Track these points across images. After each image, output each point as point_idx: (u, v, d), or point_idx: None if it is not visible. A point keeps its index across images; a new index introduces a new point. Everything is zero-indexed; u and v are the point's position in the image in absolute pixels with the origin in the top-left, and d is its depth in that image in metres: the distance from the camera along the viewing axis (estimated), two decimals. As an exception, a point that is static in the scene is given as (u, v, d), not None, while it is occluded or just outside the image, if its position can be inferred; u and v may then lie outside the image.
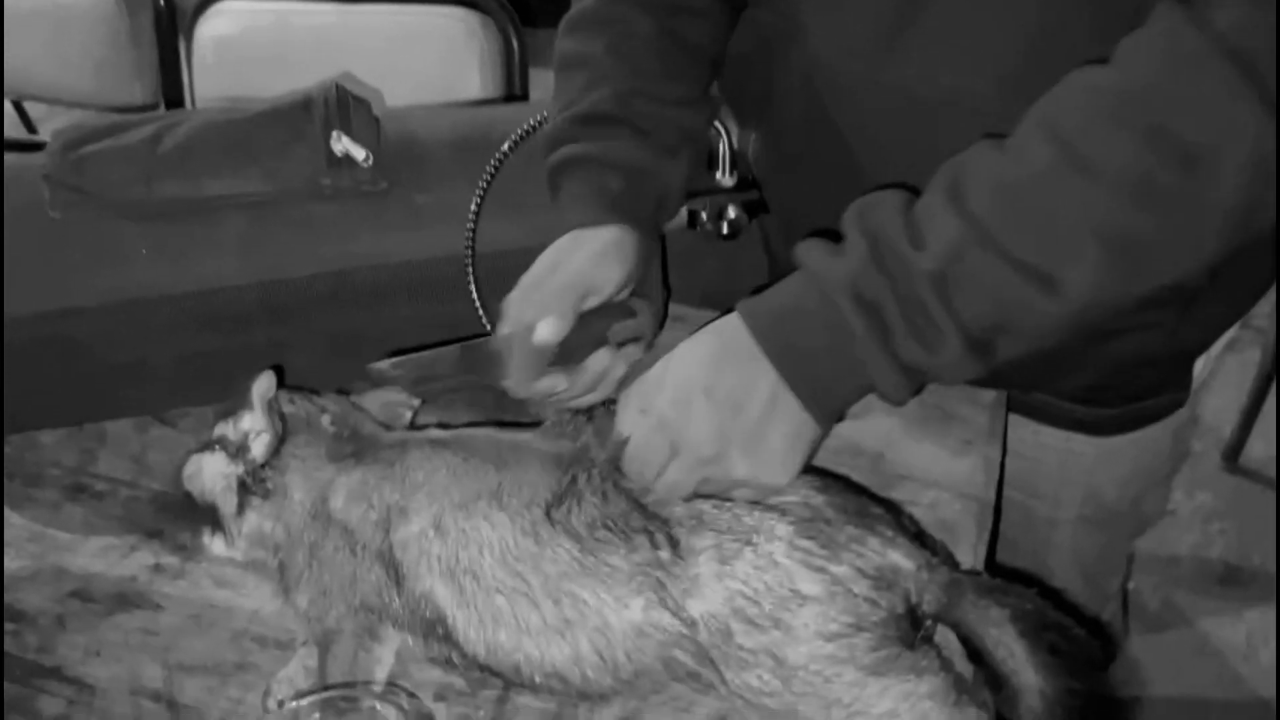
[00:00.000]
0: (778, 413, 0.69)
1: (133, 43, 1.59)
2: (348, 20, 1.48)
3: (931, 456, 0.85)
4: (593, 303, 0.78)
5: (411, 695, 0.70)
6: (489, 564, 0.67)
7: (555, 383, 0.78)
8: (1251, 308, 0.92)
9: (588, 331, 0.78)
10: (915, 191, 0.68)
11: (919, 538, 0.74)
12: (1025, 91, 0.66)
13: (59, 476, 0.87)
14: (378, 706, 0.62)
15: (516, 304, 0.76)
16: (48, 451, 0.89)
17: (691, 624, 0.65)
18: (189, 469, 0.77)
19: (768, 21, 0.85)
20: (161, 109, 1.64)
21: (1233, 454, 1.92)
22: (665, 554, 0.66)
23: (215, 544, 0.77)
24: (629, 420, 0.72)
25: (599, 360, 0.80)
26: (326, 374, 0.86)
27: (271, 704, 0.70)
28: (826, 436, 0.73)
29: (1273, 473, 1.89)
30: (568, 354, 0.78)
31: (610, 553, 0.67)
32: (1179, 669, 1.64)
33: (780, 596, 0.64)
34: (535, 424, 0.79)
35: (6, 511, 0.84)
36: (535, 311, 0.75)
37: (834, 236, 0.69)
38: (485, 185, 0.85)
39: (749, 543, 0.66)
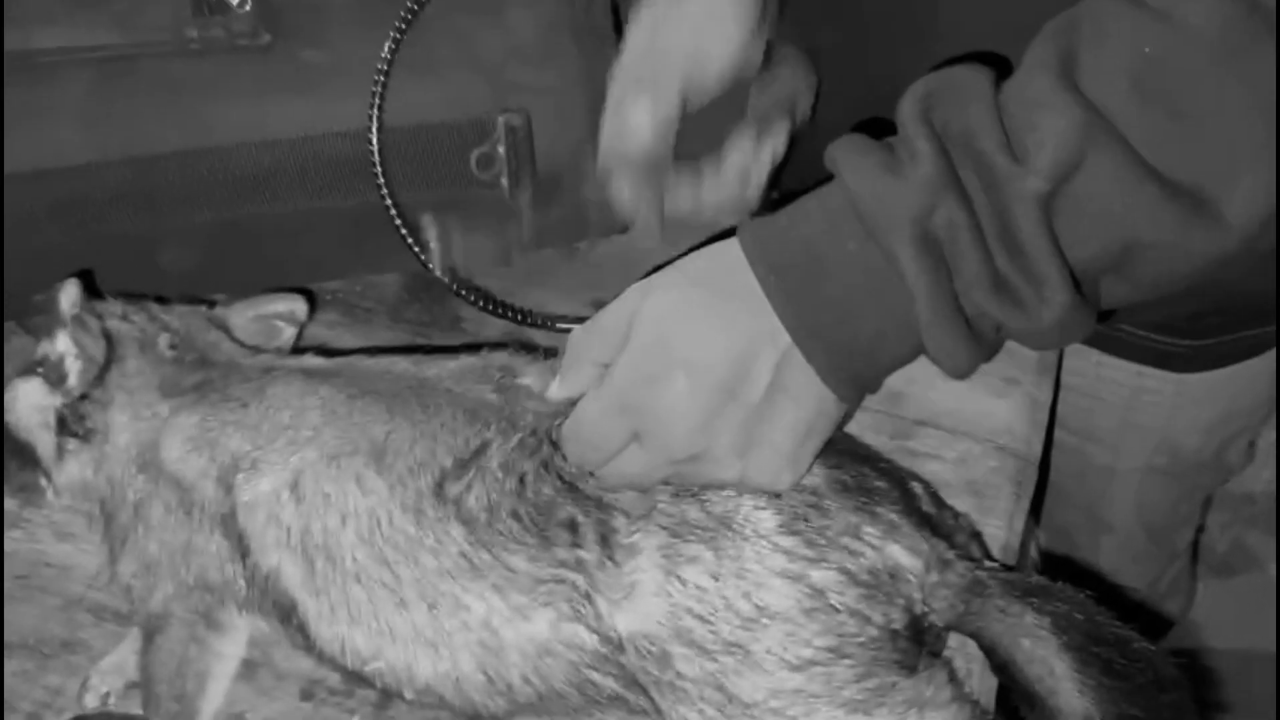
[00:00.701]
0: (786, 395, 0.48)
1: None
2: None
3: (963, 396, 0.65)
4: (715, 76, 0.59)
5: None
6: (350, 542, 0.51)
7: (682, 197, 0.60)
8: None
9: (714, 113, 0.60)
10: (999, 64, 0.47)
11: (937, 506, 0.57)
12: None
13: (-109, 395, 0.72)
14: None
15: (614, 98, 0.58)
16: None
17: (617, 644, 0.48)
18: (7, 396, 0.61)
19: None
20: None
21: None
22: (591, 555, 0.49)
23: (50, 489, 0.62)
24: (576, 379, 0.52)
25: (738, 150, 0.61)
26: (202, 276, 0.70)
27: (90, 700, 0.56)
28: (849, 419, 0.54)
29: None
30: (690, 148, 0.60)
31: (514, 550, 0.50)
32: (1247, 619, 1.46)
33: (741, 614, 0.47)
34: (471, 348, 0.61)
35: None
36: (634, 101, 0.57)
37: (881, 130, 0.48)
38: (397, 37, 0.66)
39: (712, 542, 0.49)
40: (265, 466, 0.54)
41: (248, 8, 0.66)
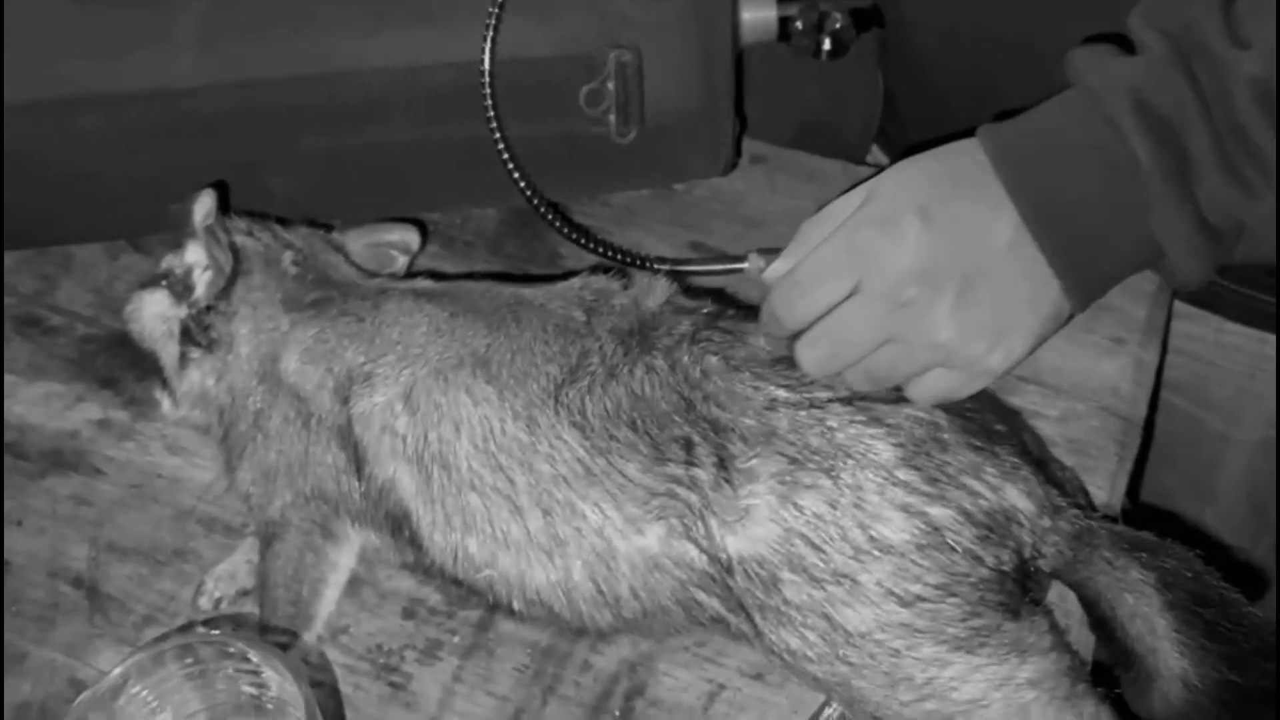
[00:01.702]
0: (1017, 264, 0.49)
1: None
2: None
3: (1067, 354, 0.65)
4: None
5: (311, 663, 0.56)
6: (465, 450, 0.52)
7: None
8: None
9: None
10: None
11: (1041, 465, 0.56)
12: None
13: (12, 305, 0.74)
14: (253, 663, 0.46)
15: None
16: (5, 275, 0.76)
17: (726, 566, 0.49)
18: (129, 307, 0.63)
19: None
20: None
21: None
22: (707, 475, 0.50)
23: (166, 402, 0.64)
24: (800, 246, 0.53)
25: None
26: (312, 202, 0.71)
27: (204, 603, 0.58)
28: (1067, 321, 0.54)
29: None
30: None
31: (629, 457, 0.51)
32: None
33: (855, 545, 0.48)
34: (563, 277, 0.62)
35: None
36: None
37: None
38: None
39: (831, 471, 0.49)
40: (378, 379, 0.55)
41: (369, -62, 0.66)
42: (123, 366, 0.66)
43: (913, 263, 0.49)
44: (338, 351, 0.56)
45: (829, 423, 0.50)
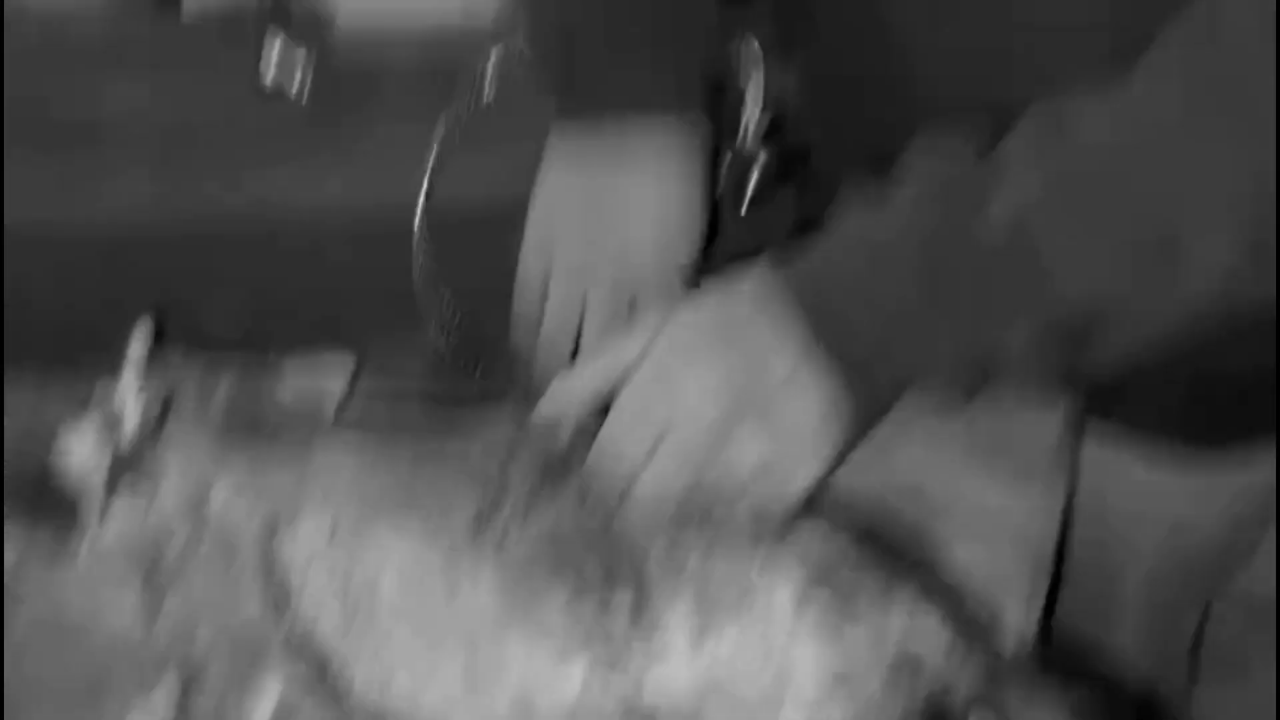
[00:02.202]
0: (805, 378, 0.53)
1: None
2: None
3: (982, 489, 0.68)
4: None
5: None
6: (389, 587, 0.53)
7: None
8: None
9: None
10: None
11: (956, 599, 0.58)
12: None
13: (-66, 435, 0.74)
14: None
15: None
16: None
17: (646, 714, 0.50)
18: (59, 442, 0.63)
19: None
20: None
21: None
22: (623, 615, 0.51)
23: (89, 536, 0.63)
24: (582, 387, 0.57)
25: None
26: (248, 334, 0.73)
27: (125, 745, 0.57)
28: (861, 438, 0.57)
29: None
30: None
31: (549, 596, 0.52)
32: (1247, 723, 1.46)
33: (771, 680, 0.49)
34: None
35: None
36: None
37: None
38: (458, 119, 0.70)
39: (742, 603, 0.50)
40: (304, 517, 0.55)
41: (309, 85, 0.70)
42: (48, 500, 0.66)
43: (709, 391, 0.52)
44: (264, 491, 0.57)
45: (731, 556, 0.51)
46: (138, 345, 0.61)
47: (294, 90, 0.69)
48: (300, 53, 0.69)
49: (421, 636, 0.52)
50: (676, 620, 0.50)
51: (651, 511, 0.53)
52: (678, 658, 0.50)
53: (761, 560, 0.52)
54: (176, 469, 0.59)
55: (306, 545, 0.55)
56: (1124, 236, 0.49)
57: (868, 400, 0.54)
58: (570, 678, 0.50)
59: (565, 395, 0.57)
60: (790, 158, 0.78)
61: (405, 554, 0.53)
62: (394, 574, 0.53)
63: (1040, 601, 0.64)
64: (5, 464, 0.71)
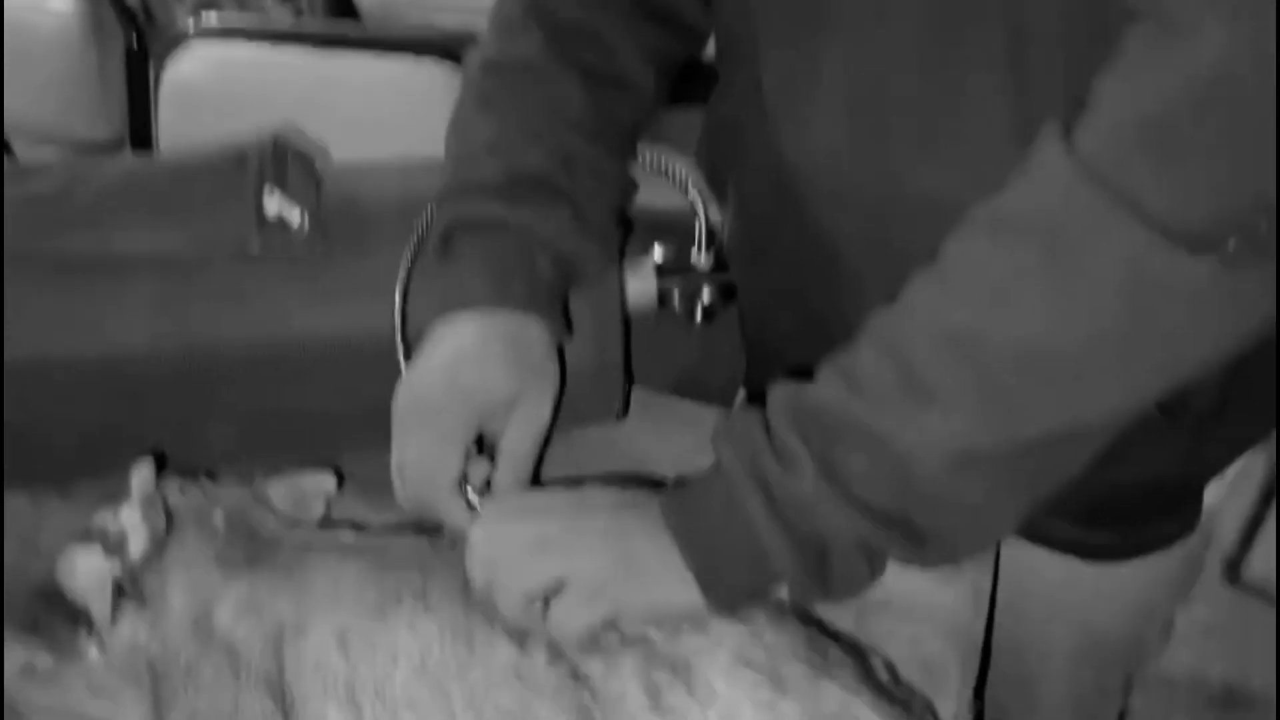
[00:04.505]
0: (666, 571, 0.61)
1: (100, 78, 1.53)
2: (324, 68, 1.41)
3: (915, 584, 0.75)
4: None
5: None
6: (402, 678, 0.58)
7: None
8: (1269, 433, 0.84)
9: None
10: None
11: (894, 681, 0.65)
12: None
13: (-65, 553, 0.77)
14: None
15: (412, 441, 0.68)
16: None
17: None
18: (63, 562, 0.67)
19: (733, 97, 0.77)
20: (127, 150, 1.56)
21: (1233, 567, 1.82)
22: (592, 683, 0.57)
23: (92, 649, 0.67)
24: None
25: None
26: (243, 453, 0.78)
27: None
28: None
29: (1274, 589, 1.79)
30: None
31: (542, 657, 0.59)
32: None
33: None
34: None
35: None
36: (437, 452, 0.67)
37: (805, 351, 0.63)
38: (413, 253, 0.76)
39: (679, 672, 0.57)
40: (309, 627, 0.60)
41: (306, 224, 0.76)
42: (48, 613, 0.69)
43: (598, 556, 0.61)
44: (269, 605, 0.62)
45: (662, 634, 0.59)
46: (138, 479, 0.65)
47: (295, 224, 0.75)
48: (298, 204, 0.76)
49: (429, 716, 0.57)
50: (629, 681, 0.57)
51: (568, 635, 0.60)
52: (638, 711, 0.56)
53: (688, 644, 0.59)
54: (181, 588, 0.64)
55: (314, 654, 0.60)
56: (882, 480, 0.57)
57: (726, 602, 0.61)
58: None
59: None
60: (730, 288, 0.87)
61: (420, 649, 0.59)
62: (406, 669, 0.59)
63: (970, 687, 0.71)
64: (5, 580, 0.75)
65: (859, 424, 0.57)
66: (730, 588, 0.61)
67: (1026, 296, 0.54)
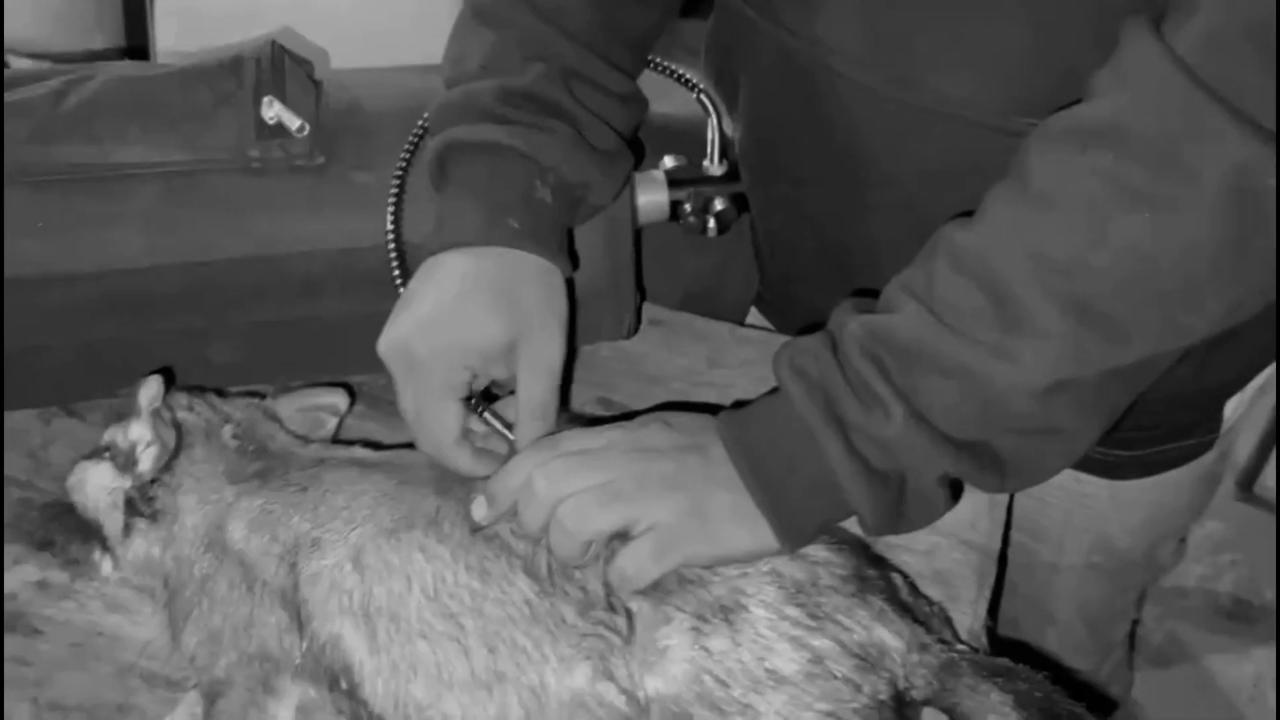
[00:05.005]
0: (736, 510, 0.59)
1: (94, -15, 1.48)
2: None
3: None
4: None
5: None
6: (416, 603, 0.58)
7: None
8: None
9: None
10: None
11: (914, 595, 0.64)
12: (1028, 103, 0.57)
13: (-56, 470, 0.77)
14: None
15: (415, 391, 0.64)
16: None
17: (643, 707, 0.55)
18: (73, 478, 0.67)
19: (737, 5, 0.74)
20: (125, 60, 1.53)
21: (1247, 482, 1.82)
22: (622, 620, 0.57)
23: (105, 564, 0.67)
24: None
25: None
26: (250, 370, 0.77)
27: (149, 760, 0.61)
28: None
29: (1286, 502, 1.79)
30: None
31: (568, 602, 0.57)
32: (1181, 709, 1.54)
33: (754, 678, 0.55)
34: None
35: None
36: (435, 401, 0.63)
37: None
38: (405, 163, 0.74)
39: (728, 613, 0.56)
40: (326, 543, 0.60)
41: (305, 133, 0.74)
42: (60, 529, 0.69)
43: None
44: (283, 520, 0.61)
45: (716, 573, 0.58)
46: (147, 396, 0.64)
47: (295, 132, 0.72)
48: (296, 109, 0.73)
49: (443, 648, 0.57)
50: (676, 624, 0.56)
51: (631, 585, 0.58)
52: (679, 657, 0.55)
53: (741, 582, 0.58)
54: (192, 503, 0.63)
55: (330, 571, 0.59)
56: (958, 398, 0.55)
57: (788, 534, 0.59)
58: (578, 673, 0.56)
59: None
60: (744, 199, 0.84)
61: (433, 575, 0.58)
62: (419, 594, 0.58)
63: (986, 600, 0.70)
64: (15, 499, 0.75)
65: (946, 355, 0.54)
66: (803, 528, 0.58)
67: (1129, 211, 0.51)
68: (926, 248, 0.58)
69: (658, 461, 0.59)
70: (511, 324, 0.62)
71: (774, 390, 0.60)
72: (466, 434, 0.64)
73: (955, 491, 0.61)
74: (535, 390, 0.63)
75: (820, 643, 0.55)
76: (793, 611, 0.56)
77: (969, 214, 0.57)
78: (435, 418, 0.63)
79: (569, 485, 0.58)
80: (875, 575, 0.60)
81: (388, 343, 0.63)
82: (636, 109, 0.75)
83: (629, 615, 0.57)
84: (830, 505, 0.58)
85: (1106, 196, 0.51)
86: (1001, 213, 0.55)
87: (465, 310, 0.62)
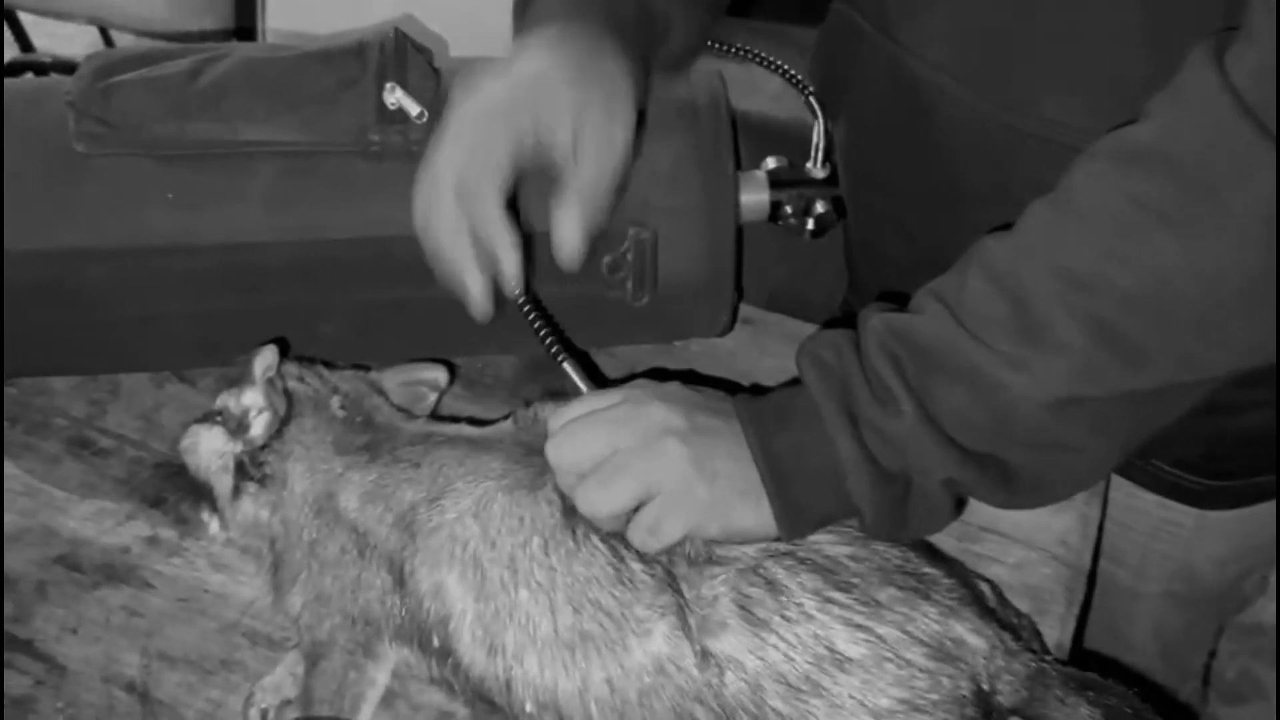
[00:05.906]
0: (747, 491, 0.59)
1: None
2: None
3: (1023, 510, 0.74)
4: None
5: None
6: (535, 550, 0.60)
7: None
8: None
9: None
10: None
11: (1002, 604, 0.64)
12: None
13: (64, 427, 0.80)
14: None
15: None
16: (57, 399, 0.82)
17: (717, 669, 0.56)
18: (186, 441, 0.70)
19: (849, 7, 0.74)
20: (233, 41, 1.57)
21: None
22: (689, 589, 0.58)
23: (213, 524, 0.70)
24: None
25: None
26: (355, 346, 0.79)
27: (253, 714, 0.63)
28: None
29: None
30: None
31: (644, 572, 0.59)
32: (1252, 747, 1.51)
33: (816, 654, 0.55)
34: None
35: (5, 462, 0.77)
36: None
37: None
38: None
39: (772, 587, 0.57)
40: (448, 501, 0.62)
41: (425, 119, 0.76)
42: (171, 489, 0.72)
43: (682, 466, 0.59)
44: (397, 494, 0.63)
45: (748, 549, 0.59)
46: (261, 364, 0.67)
47: (414, 119, 0.74)
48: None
49: (538, 601, 0.59)
50: (720, 589, 0.57)
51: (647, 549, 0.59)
52: (734, 625, 0.56)
53: (772, 564, 0.59)
54: (301, 470, 0.66)
55: (450, 521, 0.61)
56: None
57: (791, 525, 0.59)
58: (657, 633, 0.57)
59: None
60: (844, 203, 0.85)
61: (541, 530, 0.60)
62: (535, 544, 0.60)
63: (1075, 615, 0.70)
64: (129, 457, 0.78)
65: (962, 358, 0.55)
66: (803, 515, 0.59)
67: (1157, 233, 0.51)
68: (966, 255, 0.58)
69: (664, 431, 0.59)
70: (584, 91, 0.62)
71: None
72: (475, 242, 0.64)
73: (959, 504, 0.60)
74: (589, 169, 0.62)
75: (883, 629, 0.56)
76: (838, 595, 0.57)
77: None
78: (485, 164, 0.62)
79: (582, 455, 0.59)
80: (939, 575, 0.60)
81: (462, 90, 0.63)
82: None
83: (688, 577, 0.58)
84: (833, 496, 0.58)
85: (1136, 216, 0.51)
86: (1036, 225, 0.55)
87: (545, 79, 0.62)
